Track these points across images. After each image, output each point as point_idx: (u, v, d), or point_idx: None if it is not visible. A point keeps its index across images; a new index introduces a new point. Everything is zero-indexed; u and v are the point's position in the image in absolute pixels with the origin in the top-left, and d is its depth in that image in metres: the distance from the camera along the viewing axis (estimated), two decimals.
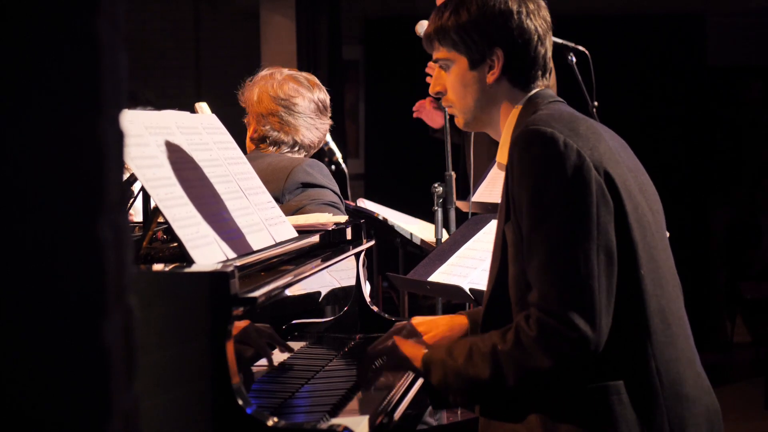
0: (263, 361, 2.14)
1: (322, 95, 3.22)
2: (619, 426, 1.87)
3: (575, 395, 1.89)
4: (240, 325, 1.94)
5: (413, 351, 2.06)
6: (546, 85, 2.12)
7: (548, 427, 1.90)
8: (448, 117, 3.62)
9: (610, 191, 1.89)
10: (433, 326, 2.28)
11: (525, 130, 1.93)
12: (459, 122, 2.18)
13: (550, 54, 2.12)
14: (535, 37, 2.07)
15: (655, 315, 1.91)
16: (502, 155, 2.09)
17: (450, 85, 2.13)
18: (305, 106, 3.15)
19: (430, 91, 2.21)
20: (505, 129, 2.10)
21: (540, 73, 2.10)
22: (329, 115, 3.25)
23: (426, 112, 4.74)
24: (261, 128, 3.14)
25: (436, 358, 1.98)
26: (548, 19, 2.12)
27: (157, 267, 1.96)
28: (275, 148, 3.14)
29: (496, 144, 2.16)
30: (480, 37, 2.07)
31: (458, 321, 2.29)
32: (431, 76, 2.22)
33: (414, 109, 4.80)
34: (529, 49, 2.07)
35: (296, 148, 3.16)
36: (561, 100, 2.11)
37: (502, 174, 2.02)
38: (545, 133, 1.89)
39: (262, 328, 2.14)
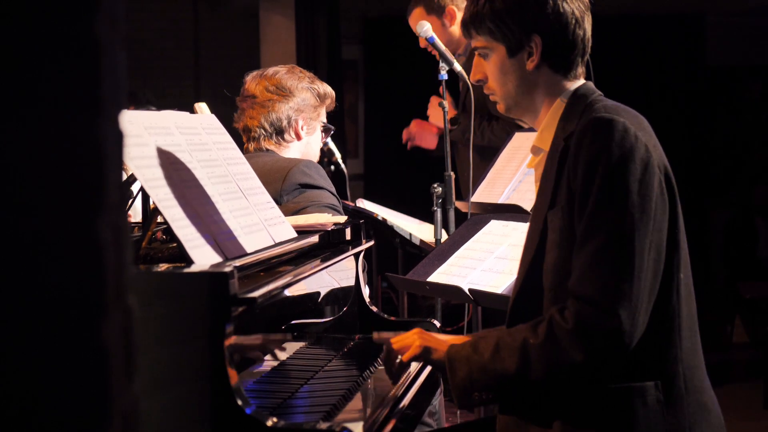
0: (262, 362, 2.14)
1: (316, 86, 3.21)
2: (640, 429, 1.84)
3: (599, 394, 1.86)
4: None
5: (437, 343, 2.02)
6: (584, 73, 2.08)
7: (568, 428, 1.87)
8: (446, 115, 3.62)
9: (668, 190, 1.87)
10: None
11: (596, 117, 1.89)
12: (500, 108, 2.13)
13: (589, 35, 2.08)
14: (573, 21, 2.03)
15: (686, 320, 1.89)
16: (541, 140, 2.06)
17: (490, 73, 2.09)
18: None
19: (471, 79, 2.17)
20: (549, 116, 2.05)
21: (580, 57, 2.06)
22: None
23: (419, 137, 4.60)
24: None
25: (461, 354, 1.94)
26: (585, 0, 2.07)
27: (157, 267, 1.96)
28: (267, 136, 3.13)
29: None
30: (516, 25, 2.02)
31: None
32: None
33: (405, 140, 4.66)
34: (567, 33, 2.03)
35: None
36: (602, 94, 2.06)
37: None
38: (618, 122, 1.86)
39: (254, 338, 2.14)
